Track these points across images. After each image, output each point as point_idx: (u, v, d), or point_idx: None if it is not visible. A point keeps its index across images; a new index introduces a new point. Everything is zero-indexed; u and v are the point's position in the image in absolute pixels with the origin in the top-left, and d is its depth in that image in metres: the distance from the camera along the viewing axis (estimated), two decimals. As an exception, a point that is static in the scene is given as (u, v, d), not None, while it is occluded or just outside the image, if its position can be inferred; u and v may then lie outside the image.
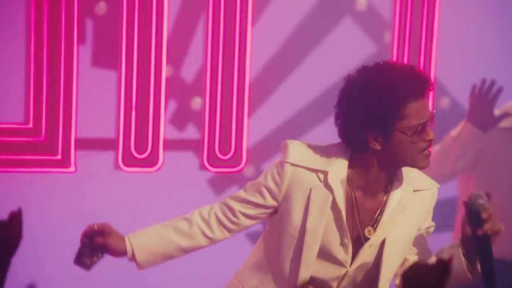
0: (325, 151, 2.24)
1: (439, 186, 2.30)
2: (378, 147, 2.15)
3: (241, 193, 2.33)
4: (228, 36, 4.21)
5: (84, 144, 4.14)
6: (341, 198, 2.17)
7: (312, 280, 2.23)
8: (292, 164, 2.21)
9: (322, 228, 2.17)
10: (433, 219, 2.39)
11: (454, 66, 4.60)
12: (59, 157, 4.01)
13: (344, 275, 2.23)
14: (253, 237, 4.23)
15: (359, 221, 2.21)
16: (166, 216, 4.10)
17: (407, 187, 2.23)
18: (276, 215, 2.29)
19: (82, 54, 4.06)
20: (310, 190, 2.18)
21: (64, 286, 4.19)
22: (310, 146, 2.25)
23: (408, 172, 2.24)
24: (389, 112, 2.12)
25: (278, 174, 2.23)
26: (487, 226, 2.05)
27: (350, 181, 2.21)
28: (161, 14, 4.09)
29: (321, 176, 2.19)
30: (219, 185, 4.34)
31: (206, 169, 4.26)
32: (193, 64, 4.30)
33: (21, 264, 3.89)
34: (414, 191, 2.24)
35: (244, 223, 2.34)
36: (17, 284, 3.88)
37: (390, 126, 2.12)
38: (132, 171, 4.16)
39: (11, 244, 1.81)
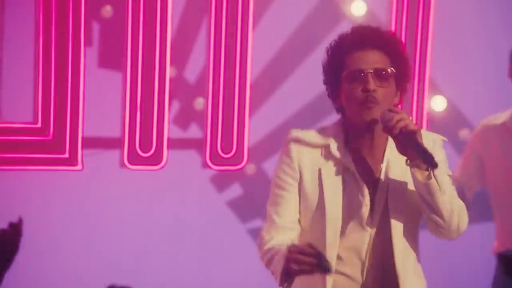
0: (322, 129, 2.32)
1: (444, 139, 2.31)
2: (339, 102, 2.26)
3: (270, 213, 2.34)
4: (230, 38, 4.25)
5: (91, 143, 4.17)
6: (350, 163, 2.22)
7: (342, 257, 2.23)
8: (294, 142, 2.29)
9: (340, 203, 2.21)
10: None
11: (449, 68, 4.63)
12: (66, 155, 4.05)
13: (370, 240, 2.23)
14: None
15: (360, 184, 2.23)
16: (170, 212, 4.22)
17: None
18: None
19: (89, 56, 4.10)
20: (320, 170, 2.23)
21: (71, 280, 4.23)
22: (308, 131, 2.33)
23: None
24: (336, 62, 2.23)
25: (286, 154, 2.29)
26: (399, 119, 2.07)
27: (349, 149, 2.25)
28: (165, 17, 4.12)
29: (324, 150, 2.24)
30: (221, 182, 4.39)
31: (209, 167, 4.29)
32: (196, 65, 4.33)
33: (28, 259, 4.01)
34: None
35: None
36: (24, 278, 4.00)
37: (338, 77, 2.21)
38: (137, 169, 4.18)
39: (3, 256, 1.77)
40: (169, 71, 4.18)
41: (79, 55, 4.02)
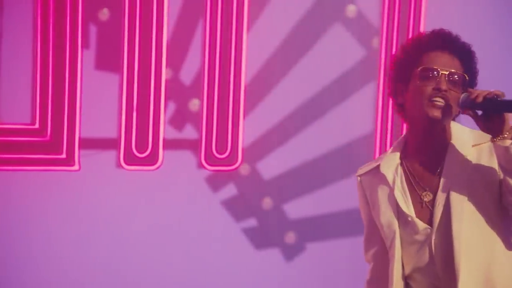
0: (387, 151, 2.40)
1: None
2: (401, 100, 2.27)
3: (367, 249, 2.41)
4: (225, 41, 4.28)
5: (88, 143, 4.18)
6: (391, 180, 2.25)
7: (411, 274, 2.26)
8: (360, 175, 2.35)
9: (393, 219, 2.24)
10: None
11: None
12: (63, 156, 4.07)
13: (430, 249, 2.22)
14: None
15: (419, 190, 2.25)
16: (165, 212, 4.25)
17: (464, 144, 2.26)
18: None
19: (86, 58, 4.12)
20: (376, 190, 2.28)
21: (68, 280, 4.24)
22: (375, 159, 2.41)
23: (461, 131, 2.29)
24: (411, 59, 2.23)
25: (358, 189, 2.39)
26: (479, 92, 2.10)
27: (403, 160, 2.28)
28: (161, 20, 4.15)
29: (376, 171, 2.31)
30: (216, 182, 4.41)
31: (204, 167, 4.32)
32: (191, 67, 4.36)
33: (25, 259, 4.05)
34: (473, 145, 2.27)
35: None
36: (21, 277, 4.05)
37: (409, 73, 2.22)
38: (133, 169, 4.20)
39: None
40: (164, 73, 4.20)
41: (76, 57, 4.04)
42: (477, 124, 2.15)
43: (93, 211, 4.23)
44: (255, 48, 4.40)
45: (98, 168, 4.22)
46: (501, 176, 2.17)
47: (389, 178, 2.25)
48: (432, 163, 2.26)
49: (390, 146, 4.35)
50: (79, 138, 4.09)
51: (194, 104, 4.34)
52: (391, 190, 2.25)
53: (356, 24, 4.48)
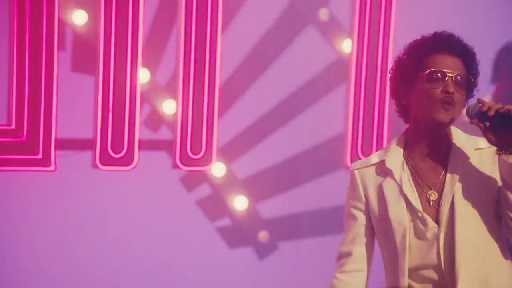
0: (384, 148, 2.40)
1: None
2: (406, 102, 2.28)
3: (345, 237, 2.36)
4: (200, 44, 4.30)
5: (64, 144, 4.19)
6: (398, 176, 2.25)
7: (415, 271, 2.25)
8: (356, 168, 2.33)
9: (404, 213, 2.23)
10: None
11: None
12: (40, 156, 4.07)
13: (438, 247, 2.23)
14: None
15: (425, 189, 2.26)
16: (141, 211, 4.25)
17: (467, 147, 2.28)
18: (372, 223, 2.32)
19: (62, 60, 4.13)
20: (381, 185, 2.26)
21: (45, 280, 4.25)
22: (369, 157, 2.41)
23: (459, 134, 2.31)
24: (416, 61, 2.23)
25: (351, 182, 2.34)
26: (491, 105, 2.11)
27: (407, 158, 2.29)
28: (136, 22, 4.17)
29: (381, 166, 2.29)
30: (190, 182, 4.43)
31: (178, 167, 4.33)
32: (166, 68, 4.38)
33: (1, 259, 4.04)
34: (476, 149, 2.29)
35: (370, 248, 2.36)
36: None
37: (415, 75, 2.22)
38: (108, 169, 4.21)
39: None
40: (140, 75, 4.21)
41: (52, 58, 4.05)
42: (484, 134, 2.16)
43: (69, 211, 4.24)
44: (229, 50, 4.42)
45: (74, 168, 4.22)
46: (499, 184, 2.20)
47: (397, 173, 2.26)
48: (437, 163, 2.28)
49: (362, 147, 4.45)
50: (55, 138, 4.09)
51: (169, 106, 4.34)
52: (400, 186, 2.25)
53: (328, 27, 4.52)
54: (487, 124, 2.14)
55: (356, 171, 2.33)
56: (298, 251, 4.57)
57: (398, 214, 2.23)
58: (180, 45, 4.28)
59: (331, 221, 4.48)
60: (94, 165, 4.20)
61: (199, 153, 4.33)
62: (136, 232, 4.31)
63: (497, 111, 2.09)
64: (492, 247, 2.25)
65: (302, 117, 4.53)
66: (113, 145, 4.19)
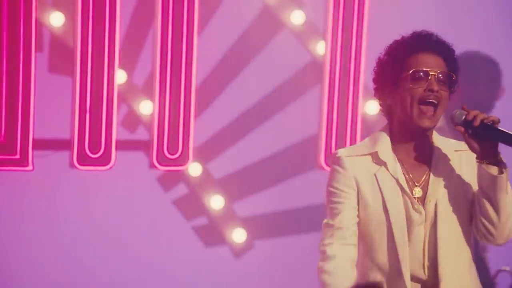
0: (368, 139, 2.40)
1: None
2: (390, 102, 2.31)
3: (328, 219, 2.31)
4: (176, 45, 4.31)
5: (41, 144, 4.19)
6: (394, 168, 2.28)
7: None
8: (345, 156, 2.30)
9: (402, 206, 2.25)
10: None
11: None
12: (17, 156, 4.07)
13: (424, 242, 2.26)
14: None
15: (410, 185, 2.30)
16: (117, 211, 4.25)
17: (447, 148, 2.30)
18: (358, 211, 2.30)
19: (39, 61, 4.13)
20: (375, 176, 2.28)
21: (21, 279, 4.25)
22: (354, 145, 2.44)
23: (438, 135, 2.36)
24: (397, 62, 2.27)
25: (339, 168, 2.30)
26: (476, 114, 2.15)
27: (395, 153, 2.32)
28: (113, 24, 4.18)
29: (374, 157, 2.30)
30: (167, 182, 4.44)
31: (155, 167, 4.34)
32: (143, 69, 4.39)
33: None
34: (456, 151, 2.31)
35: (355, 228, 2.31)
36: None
37: (398, 76, 2.26)
38: (86, 169, 4.21)
39: None
40: (117, 76, 4.22)
41: (30, 60, 4.05)
42: (466, 141, 2.20)
43: (47, 211, 4.24)
44: (205, 51, 4.43)
45: (52, 168, 4.23)
46: (476, 187, 2.26)
47: (391, 166, 2.29)
48: (420, 161, 2.33)
49: (335, 147, 4.48)
50: (33, 139, 4.09)
51: (145, 106, 4.35)
52: (396, 179, 2.28)
53: (303, 30, 4.55)
54: (470, 132, 2.17)
55: (345, 158, 2.31)
56: (273, 250, 4.59)
57: (397, 206, 2.26)
58: (156, 47, 4.29)
59: (306, 220, 4.51)
60: (72, 165, 4.20)
61: (175, 153, 4.33)
62: (112, 231, 4.32)
63: (482, 121, 2.14)
64: (468, 245, 2.32)
65: (277, 118, 4.56)
66: (91, 145, 4.19)
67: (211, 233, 4.50)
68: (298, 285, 4.45)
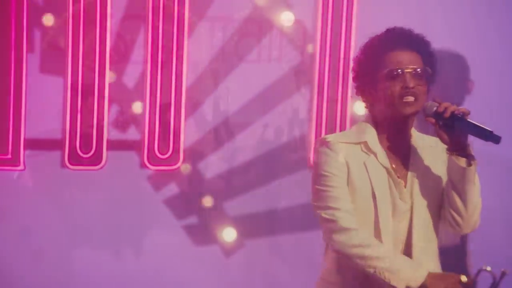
0: (355, 129, 2.45)
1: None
2: (371, 99, 2.35)
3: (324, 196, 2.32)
4: (167, 45, 4.32)
5: (33, 144, 4.20)
6: (384, 159, 2.33)
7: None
8: (334, 141, 2.34)
9: (387, 192, 2.30)
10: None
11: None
12: (9, 156, 4.08)
13: (410, 229, 2.31)
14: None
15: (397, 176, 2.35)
16: (109, 210, 4.26)
17: (424, 143, 2.38)
18: None
19: (31, 62, 4.14)
20: (365, 164, 2.31)
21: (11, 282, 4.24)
22: (341, 132, 2.47)
23: (418, 133, 2.42)
24: (373, 61, 2.31)
25: (330, 149, 2.32)
26: (447, 106, 2.20)
27: (381, 144, 2.37)
28: (104, 25, 4.19)
29: (363, 146, 2.35)
30: (158, 181, 4.45)
31: (146, 167, 4.35)
32: (134, 70, 4.40)
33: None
34: (431, 146, 2.40)
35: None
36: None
37: (375, 74, 2.29)
38: (77, 169, 4.20)
39: None
40: (108, 76, 4.23)
41: (21, 60, 4.07)
42: (437, 133, 2.26)
43: (37, 211, 4.25)
44: (196, 52, 4.45)
45: (43, 168, 4.23)
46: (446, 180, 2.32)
47: (381, 156, 2.33)
48: (401, 154, 2.38)
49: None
50: (24, 139, 4.10)
51: (136, 106, 4.37)
52: (386, 168, 2.32)
53: (293, 31, 4.58)
54: (441, 123, 2.22)
55: (335, 144, 2.33)
56: (264, 249, 4.60)
57: (385, 195, 2.30)
58: (147, 47, 4.30)
59: (296, 220, 4.54)
60: (63, 165, 4.19)
61: (166, 153, 4.34)
62: (103, 231, 4.33)
63: (452, 113, 2.18)
64: (436, 236, 2.39)
65: (267, 118, 4.58)
66: (82, 145, 4.19)
67: (202, 232, 4.50)
68: (289, 284, 4.50)
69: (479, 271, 2.22)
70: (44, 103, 4.25)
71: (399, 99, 2.26)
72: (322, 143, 2.37)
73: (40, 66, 4.25)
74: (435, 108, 2.23)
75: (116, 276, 4.33)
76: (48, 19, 4.21)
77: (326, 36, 4.47)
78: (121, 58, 4.35)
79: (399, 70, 2.28)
